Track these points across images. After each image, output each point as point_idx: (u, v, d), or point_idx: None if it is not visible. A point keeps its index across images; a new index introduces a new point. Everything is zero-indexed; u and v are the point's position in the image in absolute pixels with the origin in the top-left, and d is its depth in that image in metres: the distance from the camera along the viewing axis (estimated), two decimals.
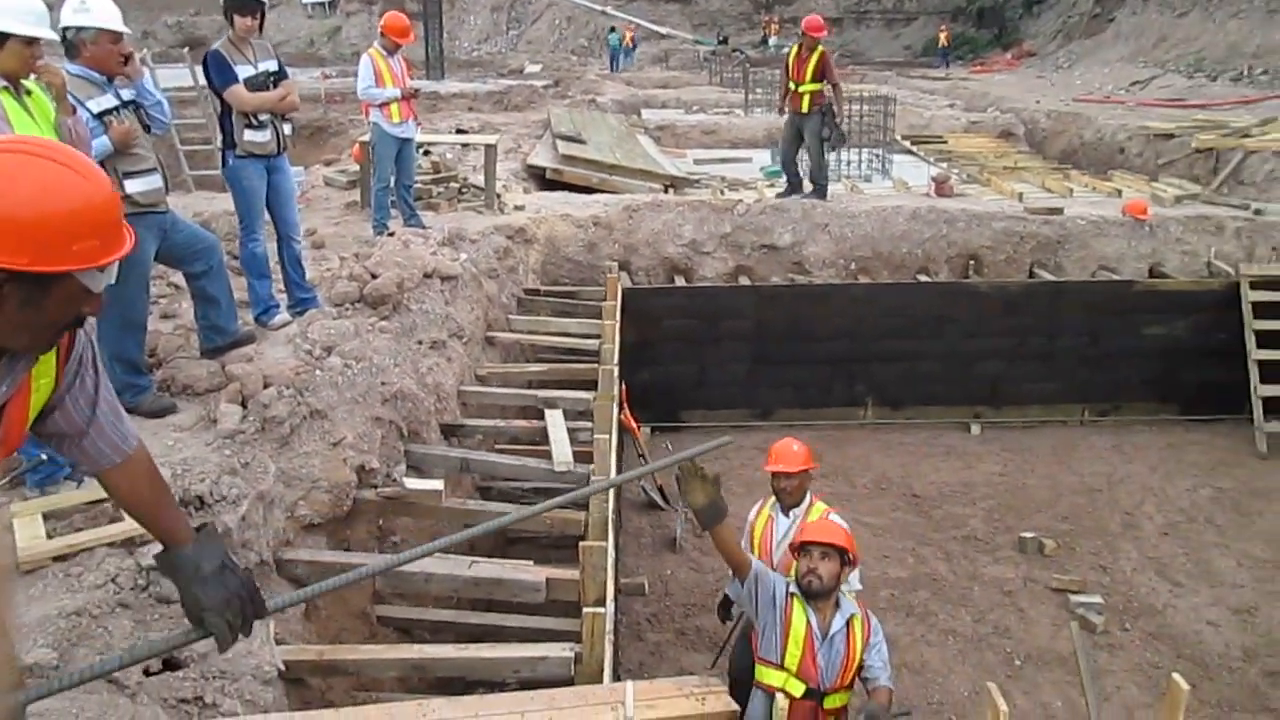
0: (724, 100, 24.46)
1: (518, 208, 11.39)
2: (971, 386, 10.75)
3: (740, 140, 20.06)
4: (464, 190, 11.90)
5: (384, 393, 6.39)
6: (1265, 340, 10.35)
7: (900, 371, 10.68)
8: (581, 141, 15.26)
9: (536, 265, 10.94)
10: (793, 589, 4.51)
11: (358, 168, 11.69)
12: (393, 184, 9.78)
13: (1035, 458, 10.10)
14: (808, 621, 4.43)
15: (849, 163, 16.52)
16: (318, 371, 6.02)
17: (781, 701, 4.11)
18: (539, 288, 10.60)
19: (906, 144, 18.79)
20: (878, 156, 16.78)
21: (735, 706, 4.25)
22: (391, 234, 9.14)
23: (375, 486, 5.89)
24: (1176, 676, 4.11)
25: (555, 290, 10.68)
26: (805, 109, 11.63)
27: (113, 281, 2.09)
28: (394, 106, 9.45)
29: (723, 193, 13.13)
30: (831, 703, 4.48)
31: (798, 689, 4.42)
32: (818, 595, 4.42)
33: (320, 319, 6.80)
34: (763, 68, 29.11)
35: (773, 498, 5.32)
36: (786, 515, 5.21)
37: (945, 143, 19.25)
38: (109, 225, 2.03)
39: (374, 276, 7.48)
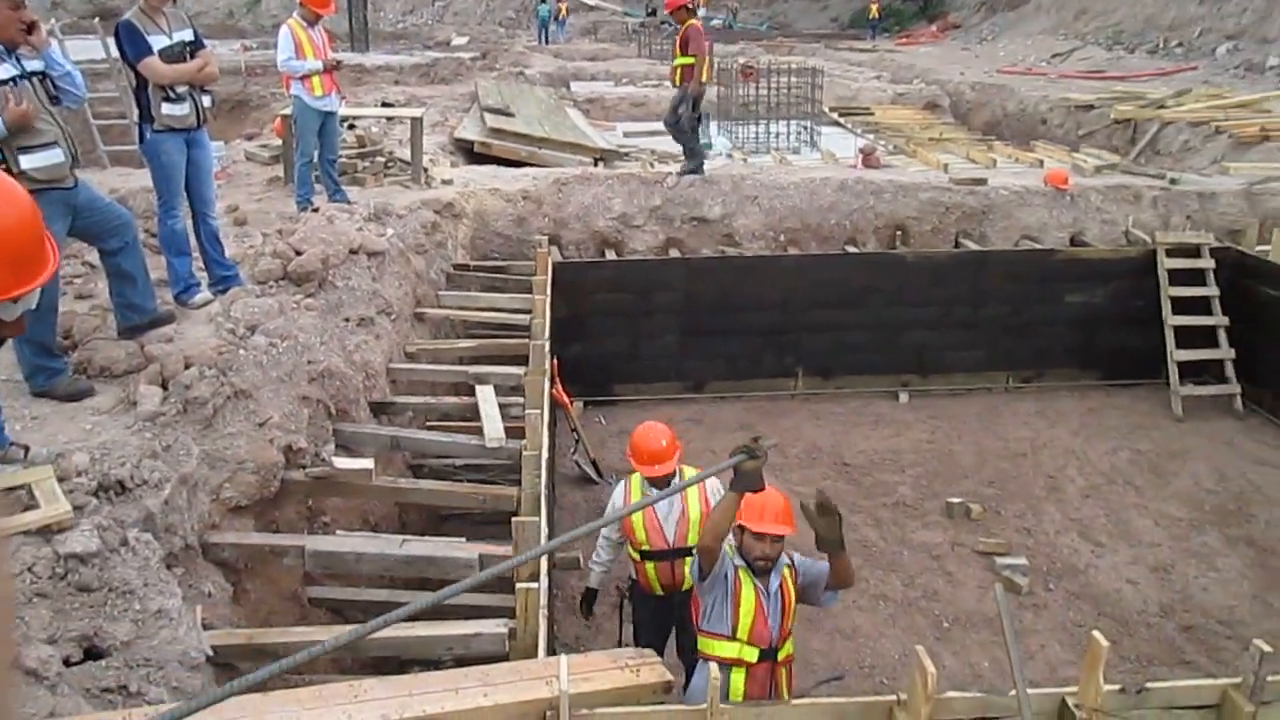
0: (653, 72, 24.35)
1: (445, 182, 11.25)
2: (899, 356, 10.91)
3: None
4: (390, 164, 11.71)
5: (311, 371, 6.29)
6: (1180, 306, 10.65)
7: (829, 342, 10.79)
8: (510, 114, 15.11)
9: (465, 240, 10.83)
10: (738, 562, 4.56)
11: (280, 142, 11.44)
12: (316, 159, 9.59)
13: (961, 425, 10.30)
14: (755, 589, 4.52)
15: (778, 135, 16.61)
16: (241, 351, 5.89)
17: (738, 671, 4.43)
18: (468, 263, 10.50)
19: (834, 116, 18.92)
20: (806, 128, 16.87)
21: (669, 677, 4.28)
22: (316, 209, 8.96)
23: (304, 467, 5.80)
24: (1096, 634, 4.23)
25: (485, 265, 10.58)
26: (676, 83, 11.61)
27: (33, 307, 1.98)
28: (316, 79, 9.24)
29: (652, 165, 13.12)
30: (783, 653, 4.63)
31: (752, 655, 4.52)
32: (767, 572, 4.54)
33: (243, 297, 6.65)
34: None
35: (637, 478, 5.53)
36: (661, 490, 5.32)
37: (872, 114, 19.43)
38: (18, 255, 1.89)
39: (298, 253, 7.33)
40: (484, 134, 14.42)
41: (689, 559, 5.14)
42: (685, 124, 11.53)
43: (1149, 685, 4.50)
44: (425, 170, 11.22)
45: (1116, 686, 4.37)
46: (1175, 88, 19.14)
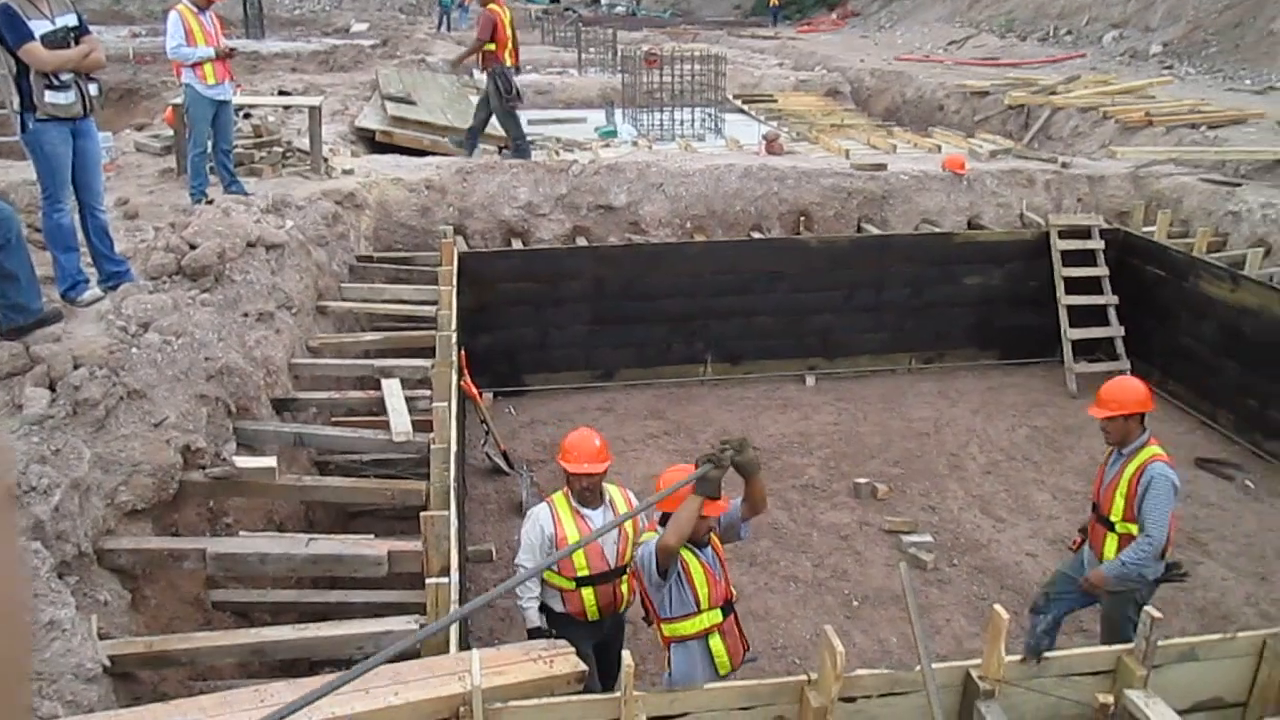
0: (557, 60, 24.25)
1: (346, 172, 11.02)
2: (805, 339, 11.06)
3: (575, 100, 19.96)
4: (289, 155, 11.44)
5: (208, 369, 6.12)
6: (1073, 286, 11.01)
7: (737, 327, 10.89)
8: (412, 103, 14.87)
9: (368, 231, 10.64)
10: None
11: (172, 132, 11.07)
12: (210, 149, 9.31)
13: (867, 406, 10.49)
14: (697, 558, 4.68)
15: (683, 122, 16.66)
16: (134, 349, 5.70)
17: (713, 638, 4.69)
18: (372, 254, 10.32)
19: (738, 103, 19.07)
20: (710, 115, 16.97)
21: (583, 667, 4.29)
22: (210, 202, 8.71)
23: (203, 467, 5.64)
24: (998, 608, 4.36)
25: (389, 256, 10.41)
26: (484, 68, 12.14)
27: None
28: (208, 67, 8.97)
29: (558, 154, 13.04)
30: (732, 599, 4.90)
31: (718, 616, 4.74)
32: (707, 544, 4.75)
33: (135, 293, 6.42)
34: (595, 27, 28.99)
35: (561, 496, 5.18)
36: (594, 509, 5.14)
37: (775, 101, 19.62)
38: None
39: (192, 247, 7.11)
40: (386, 123, 14.18)
41: (624, 578, 5.19)
42: (511, 106, 12.04)
43: (1048, 654, 4.66)
44: (325, 160, 10.99)
45: (1017, 657, 4.52)
46: (1065, 74, 19.75)
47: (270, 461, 5.84)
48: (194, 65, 8.92)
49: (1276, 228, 10.69)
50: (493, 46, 11.81)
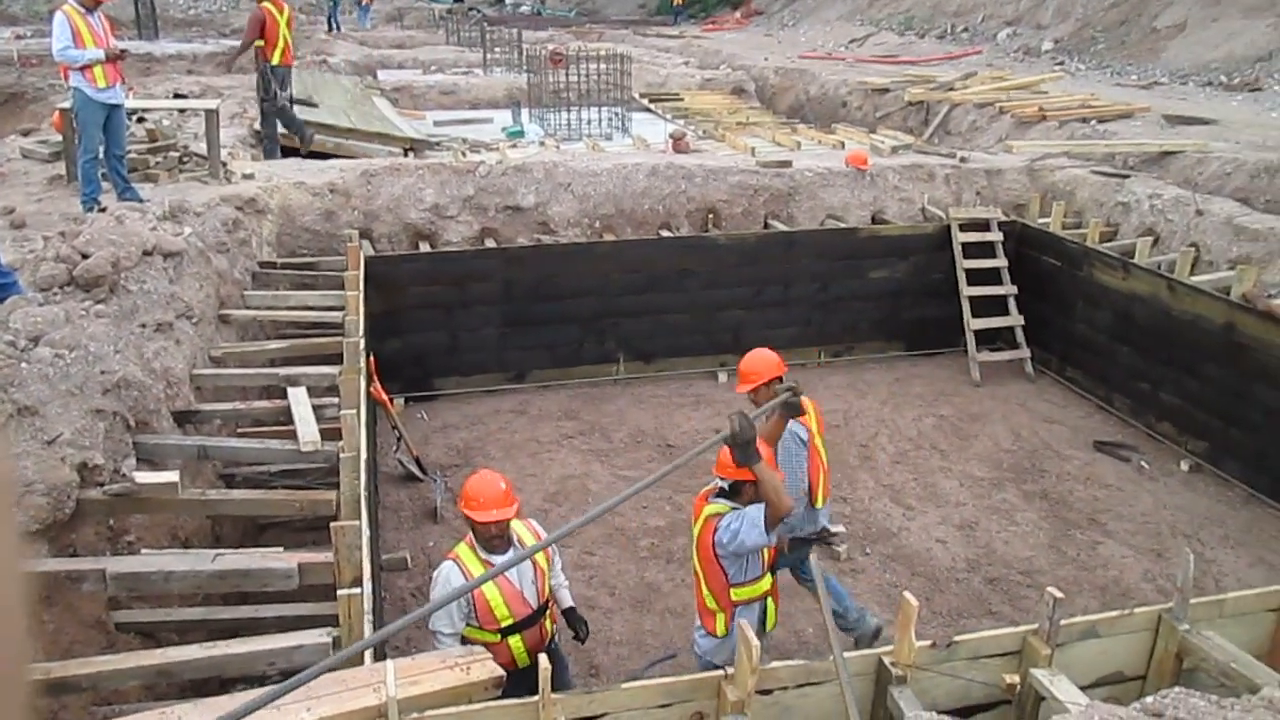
0: (462, 60, 24.02)
1: (246, 176, 10.76)
2: (716, 336, 11.15)
3: (481, 100, 19.81)
4: (185, 159, 11.13)
5: (105, 382, 5.91)
6: (974, 278, 11.31)
7: (649, 326, 10.93)
8: (313, 105, 14.58)
9: (271, 237, 10.41)
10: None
11: (60, 138, 10.68)
12: (102, 155, 9.02)
13: None
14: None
15: (589, 121, 16.65)
16: (24, 365, 5.49)
17: (770, 599, 5.39)
18: (275, 260, 10.09)
19: (644, 102, 19.12)
20: (617, 115, 16.99)
21: (500, 672, 4.27)
22: (103, 209, 8.43)
23: (102, 484, 5.46)
24: (907, 595, 4.46)
25: (293, 262, 10.19)
26: (255, 66, 12.53)
27: None
28: (98, 69, 8.69)
29: (464, 154, 12.92)
30: None
31: (769, 579, 5.39)
32: None
33: (23, 306, 6.19)
34: (500, 26, 28.81)
35: (466, 547, 4.85)
36: (503, 554, 4.75)
37: (681, 100, 19.73)
38: None
39: (85, 256, 6.87)
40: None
41: (548, 614, 5.00)
42: (273, 106, 12.43)
43: (957, 638, 4.77)
44: (224, 164, 10.71)
45: (928, 642, 4.62)
46: (963, 71, 20.24)
47: (173, 476, 5.66)
48: (83, 68, 8.63)
49: (1163, 217, 11.12)
50: (261, 44, 12.25)
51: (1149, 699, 3.88)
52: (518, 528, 4.94)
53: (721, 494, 5.19)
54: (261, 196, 10.32)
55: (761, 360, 6.10)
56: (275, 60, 12.29)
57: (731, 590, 5.17)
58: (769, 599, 5.38)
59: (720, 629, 5.26)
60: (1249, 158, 11.63)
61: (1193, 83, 19.28)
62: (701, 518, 5.20)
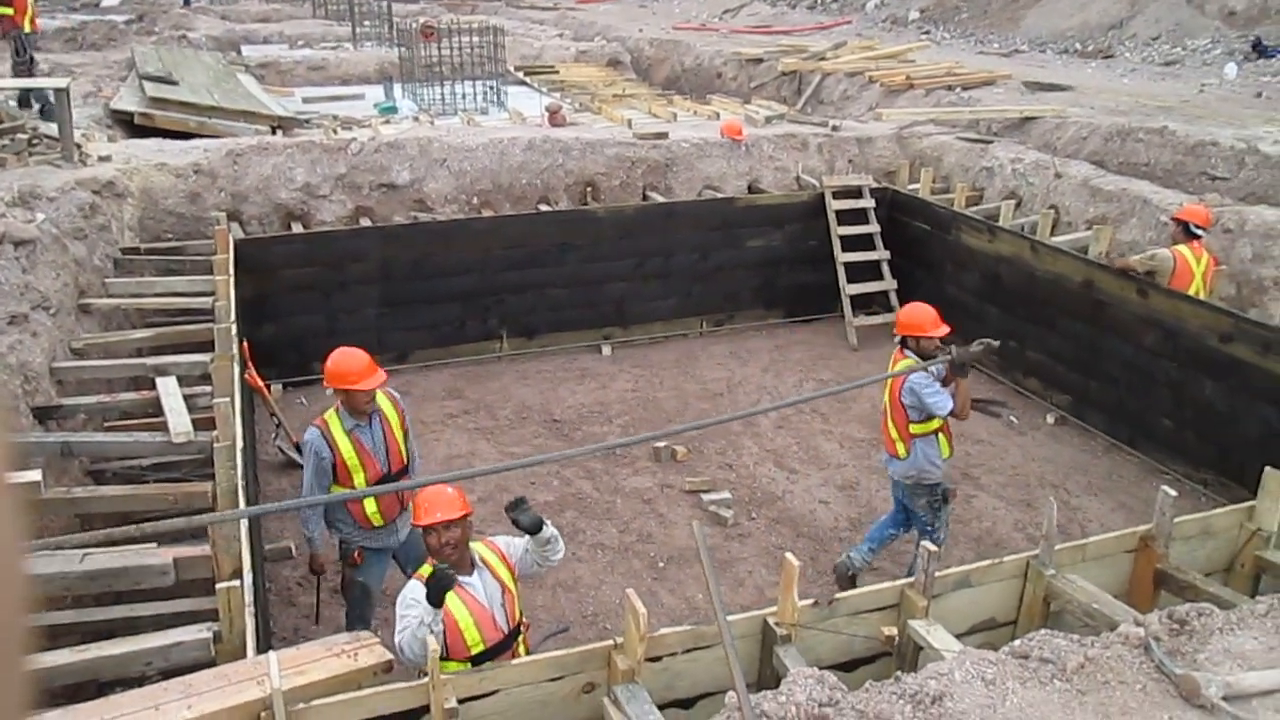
0: (331, 34, 23.34)
1: (104, 158, 10.28)
2: (599, 309, 11.17)
3: (351, 76, 19.30)
4: (35, 142, 10.56)
5: None
6: (848, 244, 11.57)
7: (530, 301, 10.88)
8: (173, 82, 14.01)
9: (133, 221, 9.99)
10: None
11: None
12: None
13: (663, 371, 10.72)
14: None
15: (464, 96, 16.40)
16: None
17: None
18: (139, 246, 9.69)
19: (520, 75, 18.92)
20: (492, 88, 16.78)
21: (389, 656, 4.24)
22: None
23: None
24: (788, 555, 4.58)
25: (158, 248, 9.81)
26: (2, 33, 13.39)
27: None
28: None
29: (336, 132, 12.59)
30: None
31: (938, 421, 6.70)
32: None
33: None
34: None
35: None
36: (468, 575, 4.54)
37: (557, 73, 19.58)
38: None
39: None
40: (145, 104, 13.29)
41: (520, 638, 4.74)
42: (27, 69, 13.17)
43: (838, 596, 4.92)
44: (78, 147, 10.20)
45: (810, 601, 4.75)
46: (833, 41, 20.57)
47: (34, 475, 5.43)
48: None
49: (1024, 181, 11.55)
50: (10, 11, 13.05)
51: (1016, 642, 4.08)
52: (479, 548, 4.66)
53: (904, 345, 6.75)
54: (120, 179, 9.90)
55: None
56: (26, 28, 13.37)
57: (910, 426, 6.61)
58: (940, 433, 6.71)
59: (902, 453, 6.72)
60: (1103, 122, 12.15)
61: (1050, 50, 20.03)
62: (897, 366, 6.69)
